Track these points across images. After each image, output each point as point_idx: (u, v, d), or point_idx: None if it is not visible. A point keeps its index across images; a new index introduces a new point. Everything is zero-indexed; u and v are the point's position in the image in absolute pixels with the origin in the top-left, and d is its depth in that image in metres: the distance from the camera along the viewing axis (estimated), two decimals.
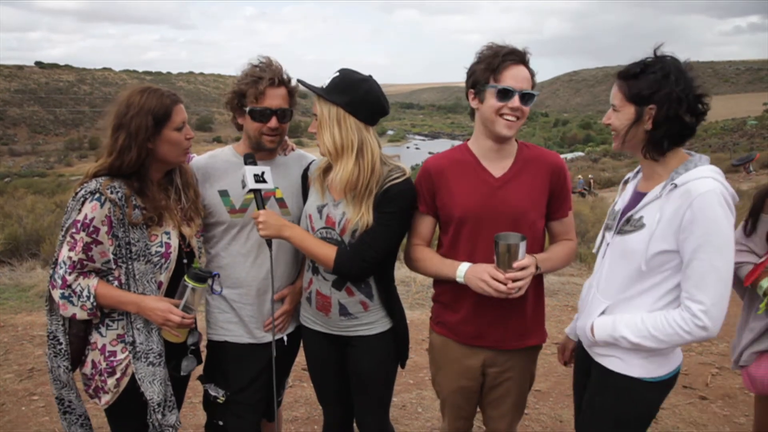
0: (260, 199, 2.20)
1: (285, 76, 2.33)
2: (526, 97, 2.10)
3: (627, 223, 1.96)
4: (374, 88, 2.16)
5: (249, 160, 2.23)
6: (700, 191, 1.76)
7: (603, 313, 2.02)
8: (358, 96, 2.13)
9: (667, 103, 1.82)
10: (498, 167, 2.21)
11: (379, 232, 2.17)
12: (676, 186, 1.82)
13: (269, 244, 2.24)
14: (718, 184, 1.78)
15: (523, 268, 2.00)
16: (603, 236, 2.14)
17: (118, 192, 2.05)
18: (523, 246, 1.99)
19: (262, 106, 2.27)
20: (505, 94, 2.07)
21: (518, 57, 2.10)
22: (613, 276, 2.01)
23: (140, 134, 2.04)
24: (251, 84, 2.26)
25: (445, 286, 2.34)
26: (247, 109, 2.30)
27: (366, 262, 2.17)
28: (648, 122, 1.86)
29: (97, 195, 2.02)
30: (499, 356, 2.30)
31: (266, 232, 2.16)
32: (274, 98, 2.28)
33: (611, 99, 1.96)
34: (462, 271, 2.15)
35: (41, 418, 3.71)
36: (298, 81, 2.26)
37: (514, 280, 2.00)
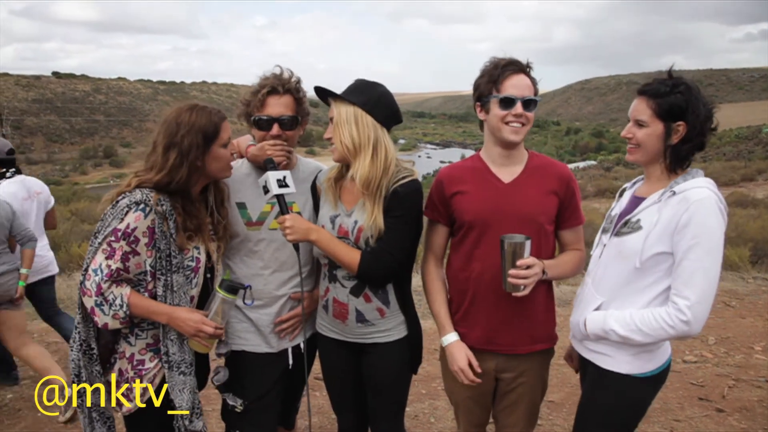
0: (284, 203, 2.20)
1: (291, 85, 2.35)
2: (528, 104, 2.18)
3: (624, 226, 2.09)
4: (388, 92, 2.25)
5: (270, 165, 2.24)
6: (697, 198, 1.92)
7: (598, 309, 2.14)
8: (374, 96, 2.19)
9: (698, 121, 1.97)
10: (507, 173, 2.28)
11: (393, 237, 2.19)
12: (674, 193, 1.98)
13: (296, 248, 2.24)
14: (713, 194, 1.94)
15: (528, 267, 2.07)
16: (600, 239, 2.26)
17: (163, 205, 2.07)
18: (527, 245, 2.06)
19: (264, 114, 2.31)
20: (507, 102, 2.17)
21: (517, 66, 2.19)
22: (609, 274, 2.13)
23: (192, 152, 2.07)
24: (254, 93, 2.32)
25: (454, 294, 2.39)
26: (253, 118, 2.34)
27: (387, 269, 2.20)
28: (675, 138, 2.00)
29: (142, 206, 2.03)
30: (511, 361, 2.33)
31: (294, 236, 2.17)
32: (276, 106, 2.31)
33: (636, 114, 2.06)
34: (447, 340, 2.33)
35: (56, 424, 3.74)
36: (315, 88, 2.27)
37: (520, 278, 2.07)
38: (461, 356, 2.28)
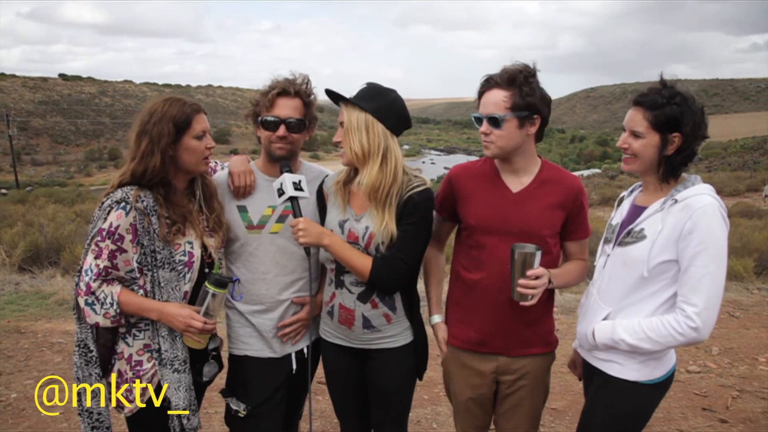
0: (298, 207, 2.22)
1: (301, 88, 2.37)
2: (492, 121, 2.14)
3: (628, 236, 2.10)
4: (400, 98, 2.24)
5: (285, 168, 2.26)
6: (700, 204, 1.94)
7: (605, 318, 2.15)
8: (386, 103, 2.19)
9: (692, 133, 1.99)
10: (517, 183, 2.28)
11: (407, 244, 2.20)
12: (676, 201, 1.99)
13: (308, 252, 2.26)
14: (715, 200, 1.97)
15: (537, 278, 2.08)
16: (602, 249, 2.27)
17: (144, 201, 2.10)
18: (538, 256, 2.07)
19: (271, 114, 2.33)
20: (476, 121, 2.21)
21: (491, 83, 2.17)
22: (614, 284, 2.15)
23: (162, 140, 2.10)
24: (263, 94, 2.34)
25: (453, 296, 2.43)
26: (260, 118, 2.36)
27: (399, 275, 2.20)
28: (671, 149, 2.01)
29: (123, 204, 2.08)
30: (511, 363, 2.34)
31: (306, 239, 2.18)
32: (284, 108, 2.33)
33: (632, 125, 2.06)
34: (434, 320, 2.50)
35: (60, 424, 3.74)
36: (326, 91, 2.27)
37: (529, 288, 2.09)
38: (445, 335, 2.46)
